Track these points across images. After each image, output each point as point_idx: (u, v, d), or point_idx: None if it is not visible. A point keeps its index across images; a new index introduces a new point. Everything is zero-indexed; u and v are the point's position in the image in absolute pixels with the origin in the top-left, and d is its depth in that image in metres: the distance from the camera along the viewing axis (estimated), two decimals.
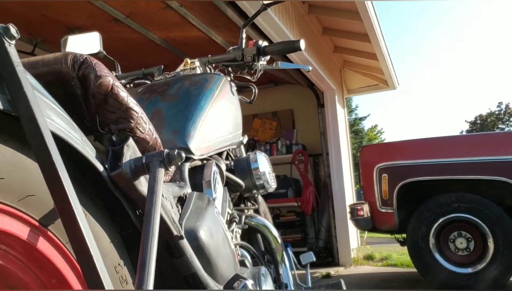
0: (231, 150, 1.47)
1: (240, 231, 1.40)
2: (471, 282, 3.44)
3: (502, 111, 28.47)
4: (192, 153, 1.08)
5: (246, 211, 1.48)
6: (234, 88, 1.44)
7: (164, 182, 0.71)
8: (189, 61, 1.47)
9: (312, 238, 5.95)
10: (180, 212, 0.87)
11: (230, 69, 1.52)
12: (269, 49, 1.45)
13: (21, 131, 0.52)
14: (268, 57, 1.49)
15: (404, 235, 4.06)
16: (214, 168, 1.18)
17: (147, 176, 0.68)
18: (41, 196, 0.55)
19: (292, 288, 1.52)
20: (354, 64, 6.50)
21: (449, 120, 52.74)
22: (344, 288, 1.64)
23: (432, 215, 3.62)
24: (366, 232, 5.77)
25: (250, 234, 1.53)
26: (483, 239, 3.48)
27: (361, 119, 21.98)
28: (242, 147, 1.54)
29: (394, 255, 5.76)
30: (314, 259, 1.71)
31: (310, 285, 1.67)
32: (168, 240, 0.73)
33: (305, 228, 5.98)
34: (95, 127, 0.67)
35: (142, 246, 0.59)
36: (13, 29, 0.53)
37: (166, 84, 1.28)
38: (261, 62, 1.46)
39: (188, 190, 0.99)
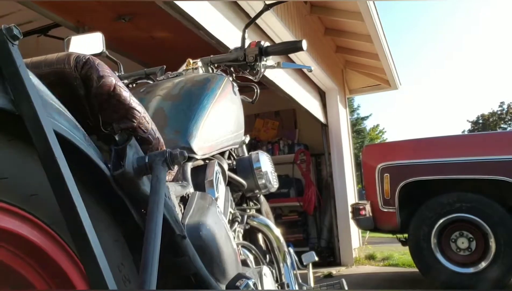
0: (233, 149, 1.47)
1: (242, 230, 1.40)
2: (473, 282, 3.44)
3: (504, 111, 28.39)
4: (194, 153, 1.08)
5: (248, 210, 1.48)
6: (236, 88, 1.44)
7: (166, 181, 0.71)
8: (191, 61, 1.48)
9: (314, 238, 5.95)
10: (182, 211, 0.87)
11: (232, 69, 1.52)
12: (271, 49, 1.45)
13: (24, 131, 0.52)
14: (270, 58, 1.49)
15: (406, 235, 4.06)
16: (217, 168, 1.18)
17: (150, 176, 0.68)
18: (44, 195, 0.56)
19: (294, 288, 1.52)
20: (356, 64, 6.49)
21: (451, 120, 52.71)
22: (346, 288, 1.64)
23: (434, 215, 3.61)
24: (368, 232, 5.76)
25: (252, 234, 1.53)
26: (485, 239, 3.47)
27: (363, 119, 21.95)
28: (244, 146, 1.55)
29: (396, 255, 5.75)
30: (316, 259, 1.71)
31: (311, 284, 1.67)
32: (170, 239, 0.73)
33: (307, 227, 5.98)
34: (98, 127, 0.67)
35: (145, 246, 0.59)
36: (16, 30, 0.53)
37: (168, 84, 1.28)
38: (263, 63, 1.46)
39: (190, 189, 1.00)
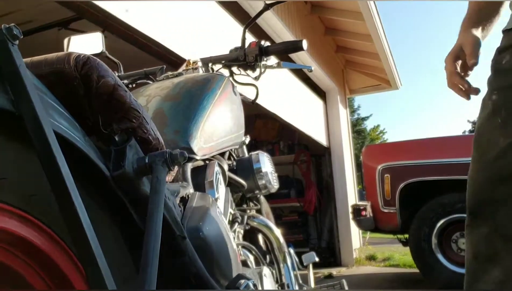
0: (233, 150, 1.47)
1: (242, 231, 1.40)
2: None
3: None
4: (194, 153, 1.08)
5: (248, 211, 1.48)
6: (237, 89, 1.44)
7: (166, 182, 0.71)
8: (191, 61, 1.48)
9: (314, 238, 5.95)
10: (182, 212, 0.87)
11: (232, 69, 1.52)
12: (272, 49, 1.44)
13: (24, 131, 0.52)
14: (270, 57, 1.49)
15: (407, 236, 4.06)
16: (217, 168, 1.18)
17: (150, 176, 0.68)
18: (44, 195, 0.55)
19: (294, 288, 1.51)
20: (357, 64, 6.50)
21: (452, 120, 52.69)
22: (346, 288, 1.64)
23: (435, 216, 3.61)
24: (369, 232, 5.77)
25: (252, 234, 1.53)
26: None
27: (364, 119, 21.95)
28: (244, 147, 1.55)
29: (396, 255, 5.75)
30: (316, 259, 1.71)
31: (312, 285, 1.67)
32: (170, 240, 0.73)
33: (307, 228, 5.98)
34: (97, 127, 0.67)
35: (144, 246, 0.59)
36: (16, 30, 0.53)
37: (168, 84, 1.28)
38: (263, 62, 1.46)
39: (190, 190, 0.99)
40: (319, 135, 5.58)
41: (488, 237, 0.90)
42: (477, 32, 1.05)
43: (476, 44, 1.01)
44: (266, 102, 3.66)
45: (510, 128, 0.91)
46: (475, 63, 0.98)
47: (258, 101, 1.58)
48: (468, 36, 1.03)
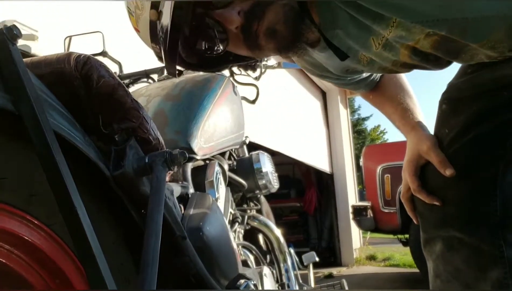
0: (233, 150, 1.47)
1: (242, 231, 1.40)
2: None
3: None
4: (194, 153, 1.08)
5: (248, 211, 1.48)
6: (237, 89, 1.44)
7: (166, 181, 0.71)
8: None
9: (315, 238, 5.95)
10: (182, 212, 0.87)
11: (232, 69, 1.51)
12: None
13: (24, 131, 0.52)
14: (271, 57, 1.49)
15: (407, 236, 4.05)
16: (217, 168, 1.18)
17: (150, 176, 0.68)
18: (44, 195, 0.55)
19: (294, 288, 1.51)
20: None
21: None
22: (346, 288, 1.64)
23: None
24: (369, 232, 5.76)
25: (252, 234, 1.53)
26: None
27: (364, 119, 21.89)
28: (244, 147, 1.55)
29: (397, 255, 5.75)
30: (317, 259, 1.71)
31: (312, 285, 1.67)
32: (171, 240, 0.73)
33: (307, 228, 5.98)
34: (98, 127, 0.67)
35: (145, 246, 0.59)
36: (16, 30, 0.53)
37: (168, 84, 1.28)
38: (264, 63, 1.46)
39: (190, 190, 1.00)
40: (323, 163, 5.57)
41: (444, 255, 0.89)
42: (425, 126, 0.93)
43: (437, 145, 0.86)
44: (266, 140, 3.62)
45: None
46: (453, 173, 0.81)
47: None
48: (424, 140, 0.89)
